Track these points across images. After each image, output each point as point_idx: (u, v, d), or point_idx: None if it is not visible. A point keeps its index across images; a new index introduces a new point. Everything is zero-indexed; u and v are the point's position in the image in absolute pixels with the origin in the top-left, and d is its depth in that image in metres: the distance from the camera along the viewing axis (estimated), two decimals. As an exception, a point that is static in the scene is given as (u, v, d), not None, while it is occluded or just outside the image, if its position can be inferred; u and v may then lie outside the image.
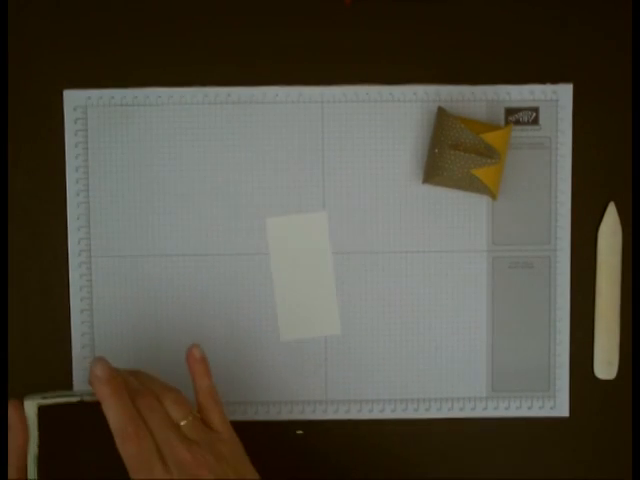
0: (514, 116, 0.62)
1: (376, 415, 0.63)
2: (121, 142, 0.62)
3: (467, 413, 0.63)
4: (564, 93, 0.62)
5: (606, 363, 0.63)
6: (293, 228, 0.62)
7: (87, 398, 0.50)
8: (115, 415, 0.49)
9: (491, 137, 0.58)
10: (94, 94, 0.61)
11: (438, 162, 0.59)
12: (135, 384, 0.51)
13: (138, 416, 0.49)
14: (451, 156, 0.58)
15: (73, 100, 0.61)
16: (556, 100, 0.62)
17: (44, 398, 0.50)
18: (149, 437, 0.49)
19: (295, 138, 0.62)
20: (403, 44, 0.62)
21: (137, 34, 0.61)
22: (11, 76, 0.61)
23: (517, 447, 0.63)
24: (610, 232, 0.62)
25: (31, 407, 0.50)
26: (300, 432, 0.63)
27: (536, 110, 0.62)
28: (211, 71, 0.62)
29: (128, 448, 0.48)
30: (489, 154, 0.58)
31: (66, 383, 0.62)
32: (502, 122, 0.62)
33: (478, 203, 0.62)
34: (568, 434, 0.63)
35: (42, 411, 0.50)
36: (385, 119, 0.62)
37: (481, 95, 0.62)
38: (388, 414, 0.63)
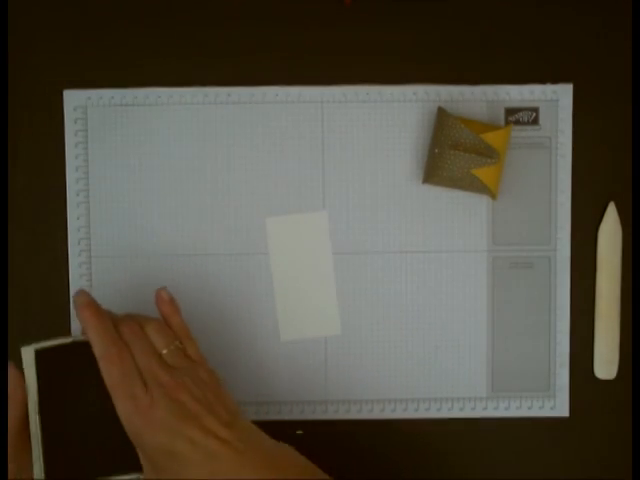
0: (514, 116, 0.62)
1: (376, 415, 0.63)
2: (121, 142, 0.62)
3: (467, 413, 0.63)
4: (564, 93, 0.62)
5: (606, 363, 0.63)
6: (293, 228, 0.62)
7: (80, 338, 0.51)
8: (98, 338, 0.50)
9: (491, 137, 0.58)
10: (94, 94, 0.61)
11: (438, 162, 0.59)
12: (122, 316, 0.52)
13: (120, 340, 0.50)
14: (451, 156, 0.58)
15: (73, 100, 0.61)
16: (556, 100, 0.62)
17: (39, 343, 0.51)
18: (131, 359, 0.49)
19: (295, 138, 0.62)
20: (403, 44, 0.62)
21: (137, 34, 0.61)
22: (11, 76, 0.61)
23: (517, 447, 0.63)
24: (610, 232, 0.62)
25: (28, 353, 0.51)
26: (300, 432, 0.63)
27: (536, 110, 0.62)
28: (211, 71, 0.62)
29: (110, 369, 0.49)
30: (489, 154, 0.58)
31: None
32: (502, 122, 0.62)
33: (478, 203, 0.62)
34: (568, 434, 0.63)
35: (40, 358, 0.51)
36: (385, 119, 0.62)
37: (481, 95, 0.62)
38: (388, 414, 0.63)
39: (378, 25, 0.61)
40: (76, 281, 0.62)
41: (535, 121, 0.62)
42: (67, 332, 0.62)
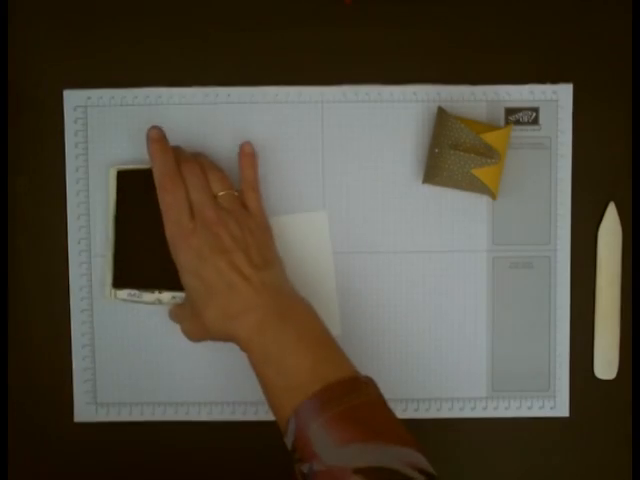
0: (514, 116, 0.62)
1: (376, 415, 0.63)
2: (121, 142, 0.62)
3: (467, 413, 0.63)
4: (564, 93, 0.62)
5: (606, 363, 0.63)
6: (293, 228, 0.62)
7: None
8: (157, 168, 0.56)
9: (491, 137, 0.58)
10: (94, 94, 0.61)
11: (438, 162, 0.59)
12: (189, 156, 0.58)
13: (177, 174, 0.56)
14: (451, 156, 0.58)
15: (73, 100, 0.61)
16: (556, 100, 0.62)
17: (122, 166, 0.60)
18: (182, 190, 0.56)
19: (295, 138, 0.62)
20: (403, 44, 0.62)
21: (137, 34, 0.61)
22: (11, 76, 0.61)
23: (517, 447, 0.63)
24: (610, 232, 0.62)
25: (112, 172, 0.60)
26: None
27: (536, 110, 0.62)
28: (211, 71, 0.62)
29: (163, 196, 0.56)
30: (489, 154, 0.58)
31: (66, 382, 0.62)
32: (502, 122, 0.62)
33: (478, 203, 0.62)
34: (568, 434, 0.63)
35: (120, 177, 0.60)
36: (385, 119, 0.62)
37: (481, 95, 0.62)
38: (388, 414, 0.63)
39: (378, 25, 0.61)
40: (76, 281, 0.62)
41: (535, 121, 0.62)
42: (67, 332, 0.62)
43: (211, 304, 0.54)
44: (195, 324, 0.56)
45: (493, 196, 0.60)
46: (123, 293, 0.60)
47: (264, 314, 0.53)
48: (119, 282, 0.60)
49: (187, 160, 0.57)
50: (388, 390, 0.62)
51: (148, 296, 0.60)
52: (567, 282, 0.63)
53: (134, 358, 0.62)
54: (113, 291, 0.60)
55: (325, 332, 0.55)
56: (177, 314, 0.59)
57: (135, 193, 0.60)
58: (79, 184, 0.62)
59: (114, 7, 0.61)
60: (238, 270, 0.54)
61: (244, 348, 0.54)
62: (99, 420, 0.63)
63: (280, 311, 0.54)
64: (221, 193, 0.57)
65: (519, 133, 0.62)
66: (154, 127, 0.57)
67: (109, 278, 0.60)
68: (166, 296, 0.60)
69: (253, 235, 0.56)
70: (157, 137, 0.57)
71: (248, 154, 0.60)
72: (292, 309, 0.55)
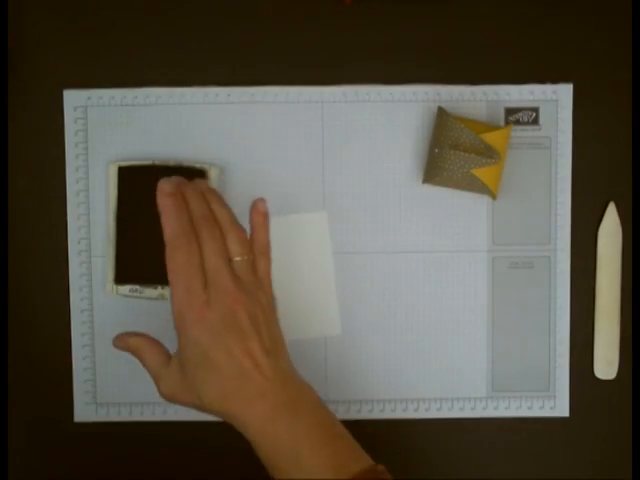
0: (514, 116, 0.62)
1: (376, 415, 0.63)
2: (121, 142, 0.62)
3: (467, 413, 0.63)
4: (564, 93, 0.62)
5: (606, 363, 0.63)
6: (293, 228, 0.62)
7: (158, 162, 0.59)
8: (170, 226, 0.51)
9: (491, 137, 0.58)
10: (94, 94, 0.61)
11: (438, 162, 0.59)
12: (206, 211, 0.52)
13: (192, 232, 0.51)
14: (451, 156, 0.58)
15: (73, 100, 0.61)
16: (556, 100, 0.62)
17: (122, 161, 0.60)
18: (197, 253, 0.50)
19: (295, 138, 0.62)
20: (403, 44, 0.62)
21: (137, 34, 0.61)
22: (11, 76, 0.61)
23: (517, 447, 0.63)
24: (610, 232, 0.62)
25: (112, 169, 0.60)
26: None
27: (536, 110, 0.62)
28: (211, 71, 0.62)
29: (174, 256, 0.50)
30: (489, 154, 0.58)
31: (66, 382, 0.62)
32: (502, 122, 0.62)
33: (478, 203, 0.62)
34: (568, 434, 0.63)
35: (122, 174, 0.59)
36: (385, 119, 0.62)
37: (481, 95, 0.62)
38: (388, 414, 0.63)
39: (378, 25, 0.61)
40: (76, 281, 0.62)
41: (535, 121, 0.62)
42: (67, 332, 0.62)
43: (212, 381, 0.50)
44: (180, 389, 0.52)
45: (493, 196, 0.60)
46: (125, 289, 0.60)
47: (275, 403, 0.50)
48: (121, 278, 0.60)
49: (207, 220, 0.52)
50: (389, 390, 0.63)
51: (150, 292, 0.60)
52: (567, 282, 0.63)
53: (134, 358, 0.62)
54: (115, 287, 0.60)
55: (335, 420, 0.53)
56: (156, 370, 0.54)
57: (136, 189, 0.59)
58: (79, 184, 0.62)
59: (114, 7, 0.61)
60: (252, 356, 0.50)
61: (250, 434, 0.51)
62: (99, 420, 0.63)
63: (291, 400, 0.51)
64: (237, 258, 0.52)
65: (519, 133, 0.62)
66: (166, 180, 0.52)
67: (111, 274, 0.60)
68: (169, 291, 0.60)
69: (264, 312, 0.52)
70: (171, 191, 0.51)
71: (262, 213, 0.54)
72: (302, 398, 0.52)
